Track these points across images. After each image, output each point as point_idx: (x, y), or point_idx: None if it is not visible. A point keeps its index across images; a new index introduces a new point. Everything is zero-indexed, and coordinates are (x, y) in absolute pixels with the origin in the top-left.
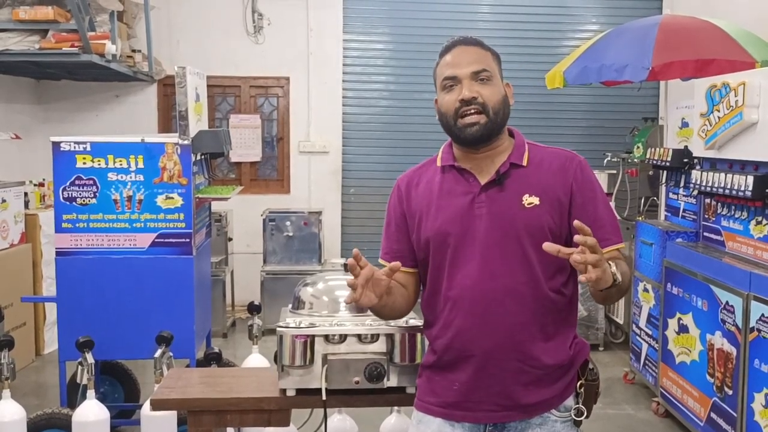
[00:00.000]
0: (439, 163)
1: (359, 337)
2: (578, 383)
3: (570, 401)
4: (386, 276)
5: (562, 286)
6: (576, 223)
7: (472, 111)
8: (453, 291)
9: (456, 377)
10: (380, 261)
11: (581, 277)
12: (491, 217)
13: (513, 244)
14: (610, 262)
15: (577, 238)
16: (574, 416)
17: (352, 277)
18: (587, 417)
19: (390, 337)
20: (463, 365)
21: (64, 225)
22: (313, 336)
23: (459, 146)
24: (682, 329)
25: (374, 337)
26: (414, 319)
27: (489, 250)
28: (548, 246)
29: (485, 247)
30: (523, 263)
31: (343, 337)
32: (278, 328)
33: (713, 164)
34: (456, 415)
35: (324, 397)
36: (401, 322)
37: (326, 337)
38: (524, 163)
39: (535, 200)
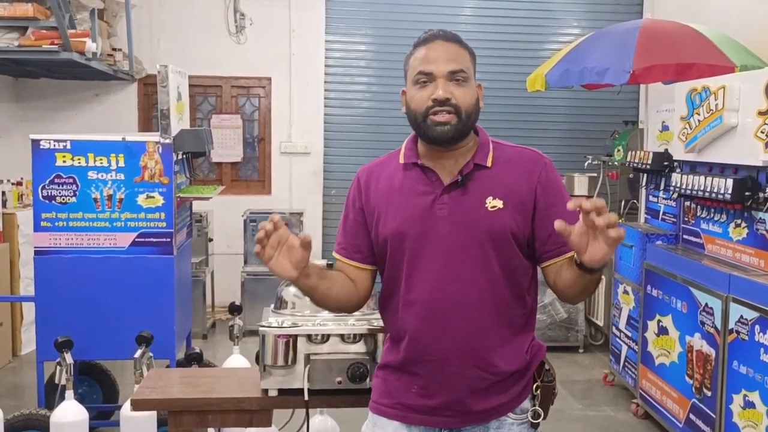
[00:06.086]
0: (401, 160)
1: (342, 337)
2: (534, 385)
3: (526, 404)
4: (301, 246)
5: (523, 291)
6: (557, 224)
7: (444, 111)
8: (411, 294)
9: (414, 380)
10: (334, 255)
11: (613, 233)
12: (453, 219)
13: (475, 248)
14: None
15: (585, 205)
16: (530, 418)
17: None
18: (544, 419)
19: (372, 337)
20: (420, 369)
21: (43, 224)
22: (296, 336)
23: (424, 143)
24: (662, 331)
25: (357, 337)
26: None
27: (449, 254)
28: (571, 204)
29: (445, 250)
30: (484, 268)
31: (325, 337)
32: (260, 328)
33: (693, 167)
34: (412, 418)
35: (306, 398)
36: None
37: (309, 337)
38: (488, 164)
39: (499, 203)
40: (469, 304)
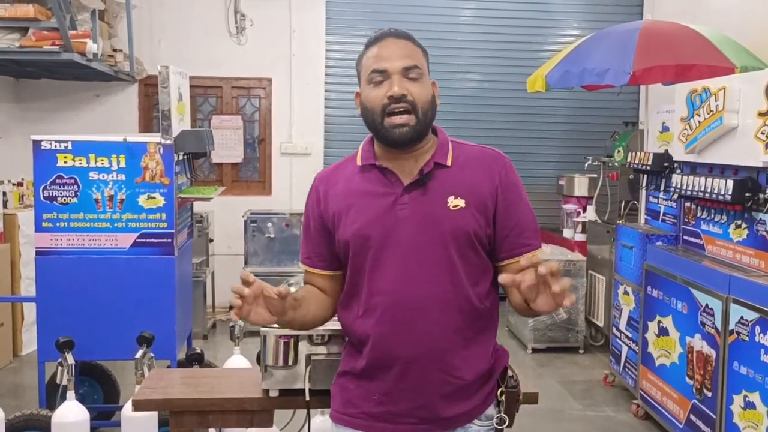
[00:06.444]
0: (359, 162)
1: (343, 337)
2: (499, 391)
3: (491, 410)
4: (278, 298)
5: (485, 292)
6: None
7: (401, 110)
8: (374, 297)
9: (376, 387)
10: (300, 264)
11: (566, 302)
12: (415, 219)
13: (438, 249)
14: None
15: (540, 270)
16: (495, 425)
17: (244, 292)
18: (510, 426)
19: None
20: (383, 375)
21: (44, 224)
22: (297, 336)
23: (382, 145)
24: (662, 332)
25: None
26: None
27: (412, 255)
28: (505, 278)
29: (408, 251)
30: (447, 269)
31: (326, 338)
32: (261, 328)
33: (693, 168)
34: (376, 426)
35: (307, 398)
36: None
37: (310, 338)
38: (448, 162)
39: (461, 202)
40: (433, 306)
